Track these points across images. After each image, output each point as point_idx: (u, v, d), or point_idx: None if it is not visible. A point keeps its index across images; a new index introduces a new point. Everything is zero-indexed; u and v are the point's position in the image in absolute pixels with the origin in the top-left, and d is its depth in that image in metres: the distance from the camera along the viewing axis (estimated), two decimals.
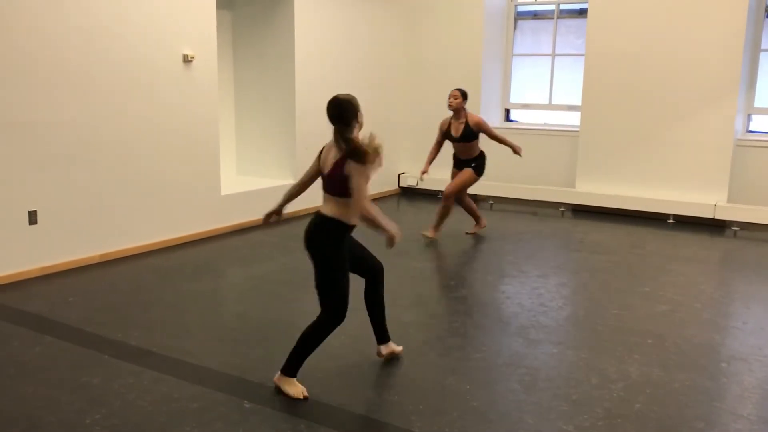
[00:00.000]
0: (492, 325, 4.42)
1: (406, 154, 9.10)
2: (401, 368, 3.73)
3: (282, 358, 3.47)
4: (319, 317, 3.40)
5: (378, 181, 8.93)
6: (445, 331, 4.38)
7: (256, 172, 7.82)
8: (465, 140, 6.44)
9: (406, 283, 5.28)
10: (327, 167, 3.48)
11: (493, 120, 8.99)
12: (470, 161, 6.52)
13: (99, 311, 4.56)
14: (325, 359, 3.77)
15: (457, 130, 6.42)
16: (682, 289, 5.23)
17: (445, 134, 6.55)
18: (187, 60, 6.15)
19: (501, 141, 6.52)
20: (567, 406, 3.31)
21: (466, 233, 6.73)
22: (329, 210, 3.44)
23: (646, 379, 3.62)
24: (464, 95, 6.35)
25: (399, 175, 9.28)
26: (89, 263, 5.54)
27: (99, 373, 3.60)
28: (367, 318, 3.79)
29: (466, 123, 6.38)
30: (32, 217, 5.15)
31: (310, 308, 4.13)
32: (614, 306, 4.80)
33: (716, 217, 7.31)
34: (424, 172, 6.54)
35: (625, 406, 3.32)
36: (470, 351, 4.02)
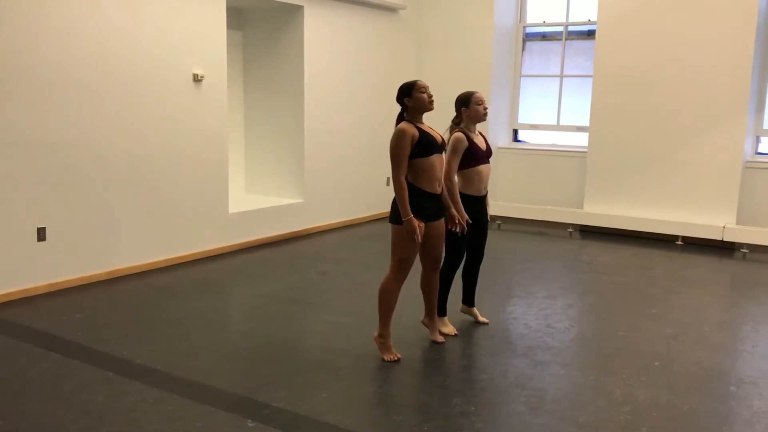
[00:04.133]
0: (498, 346, 4.40)
1: None
2: (406, 388, 3.72)
3: (287, 377, 3.51)
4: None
5: (385, 201, 8.91)
6: (450, 351, 4.35)
7: (264, 190, 7.85)
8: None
9: (413, 301, 5.26)
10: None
11: (501, 140, 9.01)
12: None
13: (105, 328, 4.56)
14: (330, 379, 3.76)
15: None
16: (691, 311, 5.19)
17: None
18: (197, 79, 6.21)
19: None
20: (573, 428, 3.28)
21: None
22: None
23: (653, 402, 3.59)
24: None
25: None
26: (96, 280, 5.56)
27: (104, 391, 3.60)
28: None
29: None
30: (41, 234, 5.18)
31: (317, 328, 4.15)
32: (622, 328, 4.77)
33: (725, 239, 7.27)
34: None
35: (632, 429, 3.28)
36: (476, 372, 4.00)
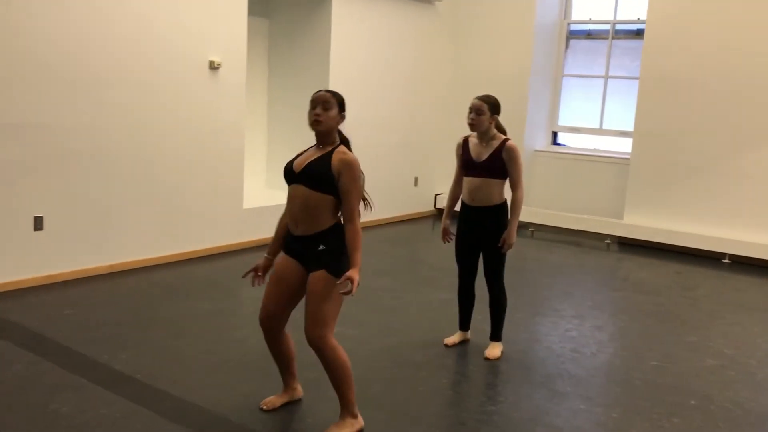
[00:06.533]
0: (513, 371, 3.96)
1: (444, 173, 8.65)
2: (404, 417, 3.31)
3: (272, 393, 3.22)
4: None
5: (413, 202, 8.54)
6: (459, 375, 3.94)
7: (285, 185, 7.50)
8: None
9: (427, 315, 4.87)
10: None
11: (539, 143, 8.52)
12: None
13: (92, 327, 4.27)
14: (321, 401, 3.39)
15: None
16: (736, 341, 4.67)
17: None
18: (213, 67, 5.89)
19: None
20: None
21: None
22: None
23: None
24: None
25: (436, 195, 8.86)
26: (96, 273, 5.29)
27: (72, 401, 3.29)
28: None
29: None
30: (38, 223, 4.92)
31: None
32: (655, 356, 4.28)
33: None
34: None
35: None
36: (484, 401, 3.58)
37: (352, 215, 2.98)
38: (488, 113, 3.97)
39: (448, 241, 4.28)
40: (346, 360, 3.02)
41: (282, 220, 3.25)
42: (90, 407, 3.24)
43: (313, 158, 3.05)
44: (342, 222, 3.03)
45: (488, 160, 3.97)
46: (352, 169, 2.98)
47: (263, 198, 6.98)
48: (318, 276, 2.98)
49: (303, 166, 3.05)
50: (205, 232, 6.07)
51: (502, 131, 4.07)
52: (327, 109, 3.05)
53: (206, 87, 5.89)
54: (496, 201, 4.01)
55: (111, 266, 5.39)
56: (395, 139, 7.99)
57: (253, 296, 5.22)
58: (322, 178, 2.98)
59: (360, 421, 3.10)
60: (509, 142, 3.99)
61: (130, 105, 5.35)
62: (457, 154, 4.15)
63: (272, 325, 3.20)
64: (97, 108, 5.15)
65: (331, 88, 7.02)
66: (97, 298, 4.83)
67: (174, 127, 5.69)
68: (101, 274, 5.32)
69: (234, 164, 6.25)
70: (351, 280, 2.86)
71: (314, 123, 3.05)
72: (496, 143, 3.99)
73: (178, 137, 5.73)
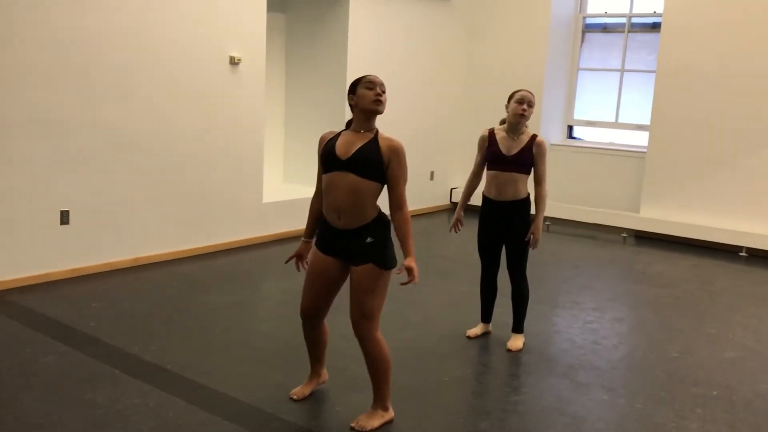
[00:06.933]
0: (536, 362, 4.01)
1: (460, 167, 8.70)
2: (430, 407, 3.37)
3: (301, 383, 3.35)
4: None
5: (429, 196, 8.58)
6: (482, 366, 3.99)
7: (303, 179, 7.57)
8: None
9: (448, 308, 4.92)
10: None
11: (555, 137, 8.54)
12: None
13: (121, 319, 4.35)
14: (348, 390, 3.45)
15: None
16: (755, 333, 4.70)
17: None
18: (233, 62, 5.95)
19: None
20: None
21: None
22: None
23: None
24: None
25: (452, 189, 8.90)
26: (120, 267, 5.37)
27: (106, 391, 3.36)
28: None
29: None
30: (64, 217, 5.00)
31: (340, 331, 3.83)
32: (675, 348, 4.32)
33: None
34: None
35: None
36: (508, 391, 3.63)
37: (402, 202, 2.98)
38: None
39: (457, 231, 4.28)
40: (388, 355, 3.05)
41: (313, 205, 3.20)
42: (124, 397, 3.31)
43: (360, 144, 2.96)
44: (381, 212, 3.03)
45: (518, 154, 4.00)
46: (401, 155, 2.97)
47: (282, 192, 7.04)
48: (365, 270, 2.97)
49: (351, 153, 2.94)
50: (226, 226, 6.14)
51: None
52: (384, 92, 3.00)
53: (227, 82, 5.95)
54: (522, 195, 4.06)
55: (135, 259, 5.47)
56: (411, 133, 8.02)
57: (276, 289, 5.32)
58: (374, 165, 2.92)
59: (391, 413, 3.16)
60: (539, 137, 4.05)
61: (153, 101, 5.42)
62: (481, 147, 4.13)
63: (314, 318, 3.24)
64: (121, 104, 5.22)
65: (349, 82, 7.09)
66: (122, 291, 4.91)
67: (195, 123, 5.75)
68: (125, 268, 5.40)
69: (254, 159, 6.32)
70: (410, 269, 2.88)
71: (377, 103, 2.95)
72: (525, 138, 4.04)
73: (200, 132, 5.80)
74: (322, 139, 3.11)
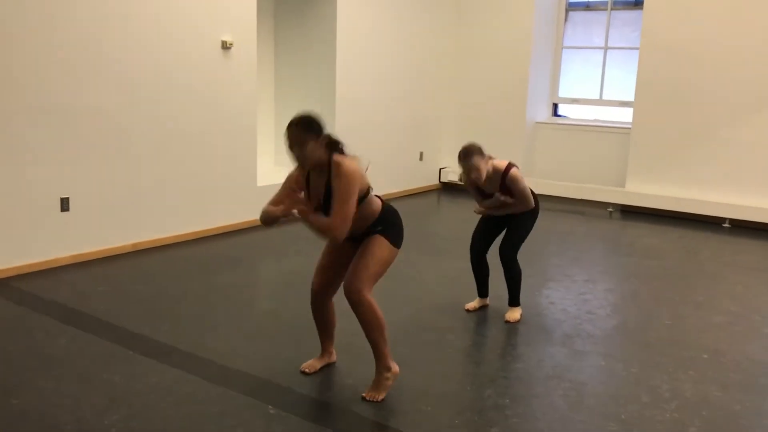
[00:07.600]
0: (534, 332, 4.16)
1: (449, 147, 8.83)
2: (435, 377, 3.51)
3: (309, 358, 3.49)
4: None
5: (419, 176, 8.70)
6: (482, 337, 4.14)
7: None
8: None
9: (445, 284, 5.06)
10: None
11: (541, 115, 8.68)
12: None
13: (128, 303, 4.44)
14: (356, 364, 3.58)
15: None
16: (740, 299, 4.89)
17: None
18: (225, 47, 6.00)
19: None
20: (616, 426, 3.05)
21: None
22: None
23: (702, 399, 3.33)
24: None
25: (440, 169, 9.03)
26: (121, 252, 5.45)
27: (122, 370, 3.46)
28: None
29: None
30: (64, 204, 5.06)
31: (343, 307, 3.94)
32: (666, 316, 4.50)
33: None
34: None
35: (679, 428, 3.04)
36: (510, 360, 3.78)
37: (337, 215, 2.98)
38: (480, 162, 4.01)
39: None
40: (380, 314, 3.18)
41: None
42: (141, 375, 3.41)
43: (322, 188, 3.12)
44: (383, 204, 3.24)
45: (499, 190, 4.17)
46: (341, 177, 3.00)
47: (275, 175, 7.11)
48: (374, 237, 3.18)
49: (320, 197, 3.13)
50: (221, 210, 6.22)
51: None
52: (303, 148, 3.01)
53: (219, 67, 6.01)
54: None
55: (135, 245, 5.55)
56: (400, 114, 8.12)
57: (277, 271, 5.42)
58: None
59: (395, 369, 3.28)
60: (511, 172, 4.09)
61: (148, 88, 5.47)
62: (471, 191, 4.34)
63: (323, 294, 3.40)
64: (116, 90, 5.26)
65: (338, 65, 7.16)
66: (126, 276, 4.99)
67: (189, 108, 5.81)
68: (126, 253, 5.47)
69: (247, 143, 6.39)
70: (303, 212, 3.02)
71: (300, 166, 3.12)
72: (497, 177, 4.12)
73: (194, 117, 5.86)
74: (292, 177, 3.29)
